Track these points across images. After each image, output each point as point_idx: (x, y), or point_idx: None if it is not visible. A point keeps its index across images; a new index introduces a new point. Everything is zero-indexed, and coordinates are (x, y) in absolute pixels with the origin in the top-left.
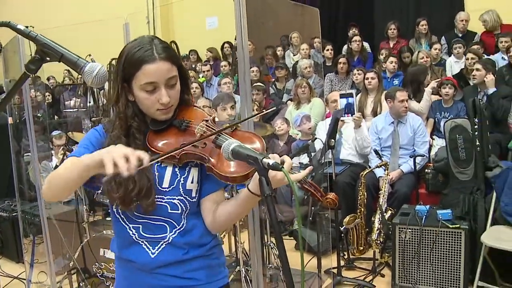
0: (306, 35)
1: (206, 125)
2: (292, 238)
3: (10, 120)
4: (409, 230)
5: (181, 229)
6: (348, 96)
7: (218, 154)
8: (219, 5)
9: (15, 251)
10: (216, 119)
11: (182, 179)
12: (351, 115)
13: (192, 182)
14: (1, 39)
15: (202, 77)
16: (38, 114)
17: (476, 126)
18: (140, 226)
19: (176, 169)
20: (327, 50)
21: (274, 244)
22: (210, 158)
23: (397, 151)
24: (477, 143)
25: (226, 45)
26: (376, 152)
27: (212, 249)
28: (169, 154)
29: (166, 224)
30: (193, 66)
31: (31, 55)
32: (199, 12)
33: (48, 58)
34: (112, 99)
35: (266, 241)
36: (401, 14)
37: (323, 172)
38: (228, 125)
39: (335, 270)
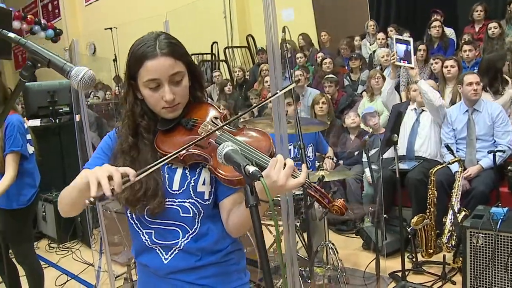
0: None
1: (213, 123)
2: (359, 237)
3: (77, 117)
4: (482, 235)
5: (194, 233)
6: (405, 43)
7: None
8: None
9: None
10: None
11: (192, 181)
12: (407, 63)
13: (203, 184)
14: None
15: None
16: (122, 110)
17: None
18: (153, 231)
19: (186, 171)
20: None
21: (333, 244)
22: (212, 160)
23: (474, 141)
24: None
25: (300, 36)
26: (447, 147)
27: (229, 255)
28: (155, 167)
29: (178, 229)
30: None
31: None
32: (276, 4)
33: (39, 64)
34: (122, 97)
35: (325, 240)
36: None
37: (380, 168)
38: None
39: (400, 274)
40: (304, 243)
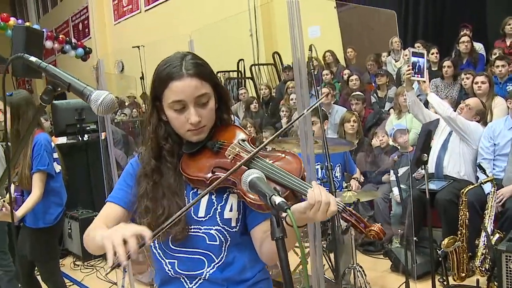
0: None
1: (240, 146)
2: (387, 258)
3: (103, 135)
4: None
5: (220, 263)
6: (421, 55)
7: None
8: (321, 14)
9: None
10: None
11: (219, 207)
12: (420, 76)
13: (230, 211)
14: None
15: None
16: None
17: None
18: (176, 261)
19: (213, 197)
20: (432, 53)
21: (361, 266)
22: (240, 183)
23: None
24: None
25: (327, 53)
26: (479, 166)
27: (256, 285)
28: (176, 218)
29: (204, 258)
30: None
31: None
32: (302, 22)
33: (59, 88)
34: (145, 119)
35: (352, 263)
36: None
37: (410, 188)
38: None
39: None
40: (330, 265)
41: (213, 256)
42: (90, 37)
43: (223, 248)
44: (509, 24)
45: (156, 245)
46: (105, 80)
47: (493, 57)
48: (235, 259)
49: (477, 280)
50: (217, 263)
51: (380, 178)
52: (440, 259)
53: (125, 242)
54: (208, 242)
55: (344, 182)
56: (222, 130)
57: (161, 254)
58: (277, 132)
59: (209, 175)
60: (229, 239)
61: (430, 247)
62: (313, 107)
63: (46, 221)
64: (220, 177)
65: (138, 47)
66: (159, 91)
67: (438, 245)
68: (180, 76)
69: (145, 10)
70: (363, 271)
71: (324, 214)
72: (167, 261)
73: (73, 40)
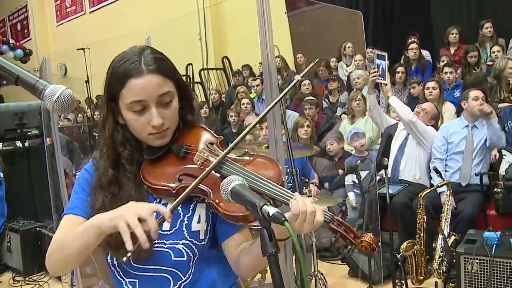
0: (349, 39)
1: (210, 150)
2: (345, 263)
3: (48, 140)
4: (477, 261)
5: (188, 280)
6: (382, 58)
7: None
8: (272, 20)
9: None
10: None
11: (185, 219)
12: (383, 79)
13: (198, 222)
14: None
15: (254, 92)
16: (94, 133)
17: None
18: (137, 280)
19: (179, 207)
20: None
21: (322, 274)
22: (213, 193)
23: (471, 156)
24: None
25: (277, 59)
26: (436, 170)
27: None
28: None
29: (169, 276)
30: (246, 81)
31: None
32: (251, 27)
33: (5, 82)
34: (100, 122)
35: (313, 271)
36: (462, 18)
37: (377, 193)
38: (230, 147)
39: None
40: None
41: (179, 273)
42: (30, 39)
43: (191, 264)
44: (453, 33)
45: (115, 262)
46: (50, 82)
47: (441, 64)
48: (203, 275)
49: (436, 283)
50: (184, 281)
51: (335, 183)
52: (399, 263)
53: (140, 221)
54: (173, 258)
55: (304, 188)
56: (187, 133)
57: (120, 273)
58: (253, 124)
59: (175, 184)
60: (197, 254)
61: (391, 252)
62: (296, 83)
63: None
64: (188, 185)
65: (83, 49)
66: (115, 90)
67: (395, 249)
68: (139, 73)
69: (90, 12)
70: (324, 278)
71: (311, 225)
72: (127, 280)
73: (11, 41)
